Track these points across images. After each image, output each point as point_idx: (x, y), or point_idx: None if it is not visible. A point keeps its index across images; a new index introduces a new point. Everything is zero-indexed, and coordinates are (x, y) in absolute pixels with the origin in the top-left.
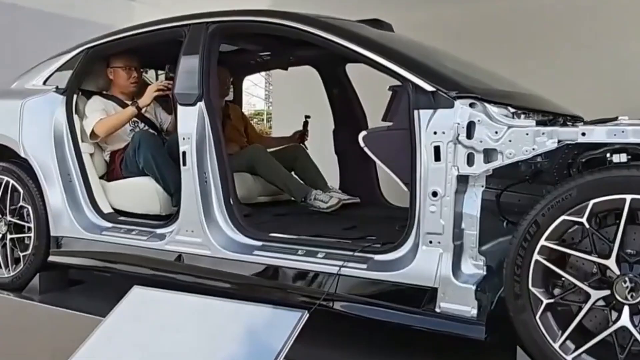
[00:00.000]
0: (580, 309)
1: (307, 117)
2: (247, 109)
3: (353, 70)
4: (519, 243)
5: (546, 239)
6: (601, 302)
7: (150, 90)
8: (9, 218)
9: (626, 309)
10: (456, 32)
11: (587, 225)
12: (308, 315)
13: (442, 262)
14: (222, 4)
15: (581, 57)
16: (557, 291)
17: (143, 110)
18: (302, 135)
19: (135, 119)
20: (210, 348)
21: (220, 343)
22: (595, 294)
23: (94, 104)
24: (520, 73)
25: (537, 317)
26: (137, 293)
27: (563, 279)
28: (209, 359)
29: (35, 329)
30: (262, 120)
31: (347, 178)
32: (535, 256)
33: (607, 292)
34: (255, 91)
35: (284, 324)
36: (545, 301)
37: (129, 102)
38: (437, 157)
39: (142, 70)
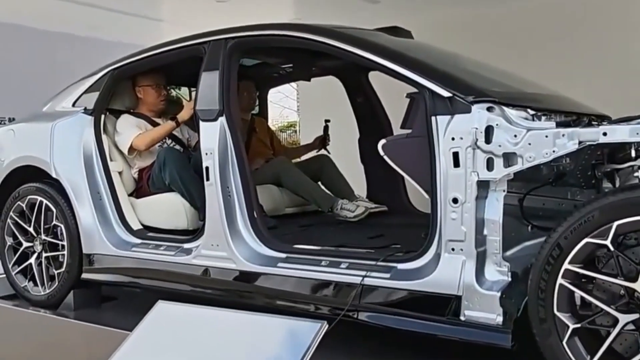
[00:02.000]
0: (609, 333)
1: (327, 121)
2: (280, 120)
3: (377, 79)
4: (542, 267)
5: (570, 262)
6: (630, 326)
7: (189, 106)
8: (43, 237)
9: None
10: (479, 33)
11: (611, 248)
12: (327, 326)
13: (465, 270)
14: (246, 19)
15: (610, 55)
16: (584, 315)
17: None
18: (323, 140)
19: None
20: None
21: (240, 355)
22: (624, 318)
23: (127, 121)
24: (546, 74)
25: (564, 342)
26: (161, 307)
27: (590, 303)
28: None
29: (70, 345)
30: (295, 132)
31: (374, 186)
32: (560, 280)
33: (636, 316)
34: (287, 103)
35: (303, 335)
36: (571, 326)
37: (157, 120)
38: (457, 163)
39: (168, 88)
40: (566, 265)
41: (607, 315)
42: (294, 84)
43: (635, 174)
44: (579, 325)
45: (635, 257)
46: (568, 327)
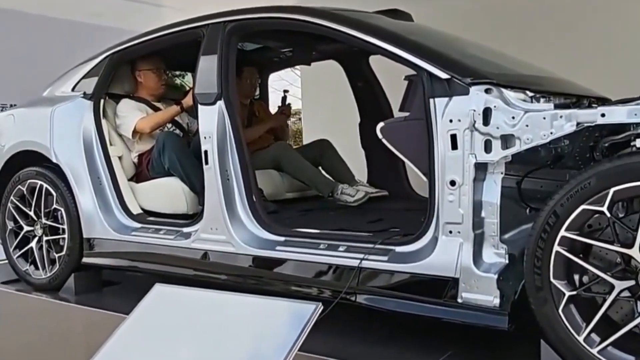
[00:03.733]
0: (605, 300)
1: (285, 91)
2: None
3: (379, 64)
4: (539, 234)
5: (566, 230)
6: (626, 293)
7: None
8: (44, 220)
9: None
10: (484, 18)
11: (608, 215)
12: (323, 307)
13: (462, 252)
14: (246, 3)
15: (613, 37)
16: (579, 283)
17: None
18: (282, 111)
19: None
20: (225, 342)
21: (236, 336)
22: (620, 285)
23: (128, 105)
24: (550, 56)
25: (560, 310)
26: (158, 290)
27: (585, 270)
28: (224, 351)
29: (70, 329)
30: (300, 119)
31: (375, 171)
32: (556, 247)
33: (631, 283)
34: (291, 90)
35: (299, 316)
36: (567, 293)
37: (157, 104)
38: (454, 146)
39: (167, 72)
40: (562, 233)
41: (603, 283)
42: (297, 71)
43: (633, 143)
44: (575, 293)
45: (631, 223)
46: (564, 294)
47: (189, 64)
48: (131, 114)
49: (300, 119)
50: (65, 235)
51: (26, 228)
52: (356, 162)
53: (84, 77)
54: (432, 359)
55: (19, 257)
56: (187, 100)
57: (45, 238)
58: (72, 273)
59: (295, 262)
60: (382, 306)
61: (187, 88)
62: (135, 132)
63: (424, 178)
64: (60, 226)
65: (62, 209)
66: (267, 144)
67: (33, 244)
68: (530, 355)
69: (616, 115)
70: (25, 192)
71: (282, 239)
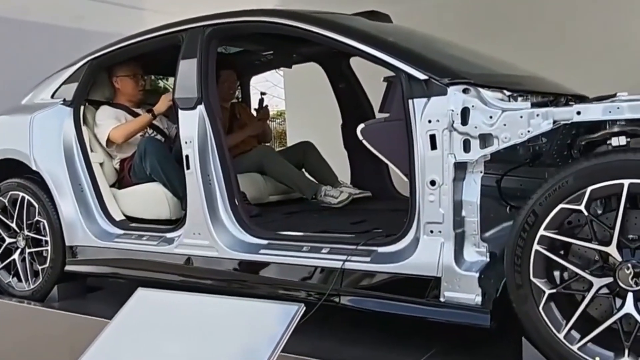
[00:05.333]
0: (584, 297)
1: (262, 93)
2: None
3: (361, 66)
4: (518, 233)
5: (545, 229)
6: (605, 290)
7: (165, 98)
8: (26, 232)
9: (630, 296)
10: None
11: (585, 213)
12: (305, 308)
13: (443, 251)
14: (230, 6)
15: (592, 36)
16: (560, 280)
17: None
18: (260, 117)
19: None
20: (208, 344)
21: (218, 339)
22: (598, 282)
23: (105, 112)
24: (531, 56)
25: (540, 307)
26: (141, 294)
27: (565, 268)
28: (207, 353)
29: (53, 335)
30: (285, 120)
31: (358, 172)
32: (535, 246)
33: (609, 280)
34: (275, 91)
35: (282, 317)
36: (547, 291)
37: (137, 110)
38: (434, 146)
39: (145, 76)
40: (541, 232)
41: (582, 280)
42: (280, 72)
43: (608, 141)
44: (554, 291)
45: (608, 221)
46: (544, 292)
47: (171, 68)
48: (106, 123)
49: (285, 120)
50: (48, 247)
51: (8, 240)
52: (340, 163)
53: (63, 84)
54: (415, 358)
55: (1, 270)
56: (159, 107)
57: (28, 250)
58: (56, 284)
59: (279, 265)
60: (366, 307)
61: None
62: (110, 141)
63: (405, 178)
64: (43, 238)
65: (45, 221)
66: (249, 147)
67: (16, 256)
68: (512, 353)
69: (591, 112)
70: (6, 204)
71: (265, 242)
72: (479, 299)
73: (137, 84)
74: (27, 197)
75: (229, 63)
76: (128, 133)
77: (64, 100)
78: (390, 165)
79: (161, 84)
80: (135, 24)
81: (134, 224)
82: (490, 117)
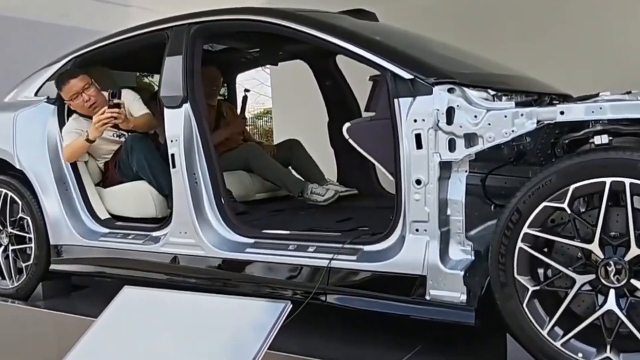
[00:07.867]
0: (567, 294)
1: (246, 90)
2: (256, 108)
3: (347, 64)
4: (502, 232)
5: (529, 227)
6: (587, 287)
7: (98, 123)
8: (9, 230)
9: (612, 292)
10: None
11: (568, 211)
12: (291, 306)
13: (429, 250)
14: (216, 4)
15: (577, 36)
16: (543, 278)
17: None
18: (243, 116)
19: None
20: (194, 342)
21: (205, 336)
22: (581, 279)
23: (69, 125)
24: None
25: (524, 304)
26: (127, 293)
27: (548, 265)
28: (193, 351)
29: (40, 333)
30: (272, 118)
31: (344, 170)
32: (519, 244)
33: (592, 277)
34: (262, 89)
35: (268, 315)
36: (531, 289)
37: None
38: (419, 145)
39: (137, 74)
40: (525, 229)
41: (565, 278)
42: (267, 70)
43: (591, 140)
44: (538, 288)
45: (591, 219)
46: (528, 289)
47: (156, 66)
48: (66, 137)
49: (271, 118)
50: (32, 244)
51: None
52: (326, 161)
53: (47, 81)
54: (401, 355)
55: None
56: (93, 133)
57: (11, 247)
58: (40, 282)
59: (265, 264)
60: (352, 305)
61: (155, 89)
62: None
63: (391, 177)
64: (27, 235)
65: (28, 218)
66: (236, 145)
67: None
68: (497, 349)
69: (574, 112)
70: None
71: (251, 241)
72: (464, 297)
73: (82, 100)
74: (10, 193)
75: (216, 60)
76: (70, 154)
77: (48, 97)
78: (376, 163)
79: (147, 80)
80: (122, 21)
81: (119, 223)
82: (475, 116)
